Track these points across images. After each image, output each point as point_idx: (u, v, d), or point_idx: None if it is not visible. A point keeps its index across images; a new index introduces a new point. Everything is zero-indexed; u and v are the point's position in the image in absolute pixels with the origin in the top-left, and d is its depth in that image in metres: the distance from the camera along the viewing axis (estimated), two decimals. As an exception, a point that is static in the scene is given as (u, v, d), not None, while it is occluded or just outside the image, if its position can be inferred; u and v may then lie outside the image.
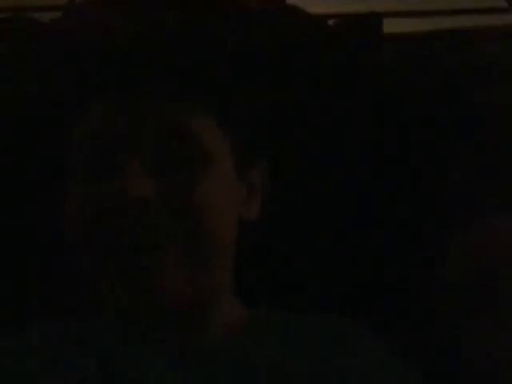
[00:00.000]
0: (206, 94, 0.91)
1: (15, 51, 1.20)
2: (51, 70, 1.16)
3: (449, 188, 1.11)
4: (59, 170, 1.10)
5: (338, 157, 1.15)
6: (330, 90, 1.18)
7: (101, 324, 0.96)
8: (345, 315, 0.96)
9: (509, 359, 0.98)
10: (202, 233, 0.87)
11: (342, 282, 1.11)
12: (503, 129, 1.14)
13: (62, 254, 1.10)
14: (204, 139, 0.89)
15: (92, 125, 0.89)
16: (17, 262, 1.14)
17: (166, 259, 0.85)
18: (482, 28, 1.24)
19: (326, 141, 1.16)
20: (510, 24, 1.27)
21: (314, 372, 0.88)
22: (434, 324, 1.04)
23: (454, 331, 1.02)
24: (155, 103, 0.88)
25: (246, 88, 1.03)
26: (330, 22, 1.30)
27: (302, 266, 1.11)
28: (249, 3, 1.27)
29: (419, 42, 1.25)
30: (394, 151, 1.15)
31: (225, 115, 0.92)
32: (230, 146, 0.93)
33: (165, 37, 0.98)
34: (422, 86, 1.18)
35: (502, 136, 1.14)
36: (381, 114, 1.16)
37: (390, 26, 1.30)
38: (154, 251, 0.85)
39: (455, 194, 1.11)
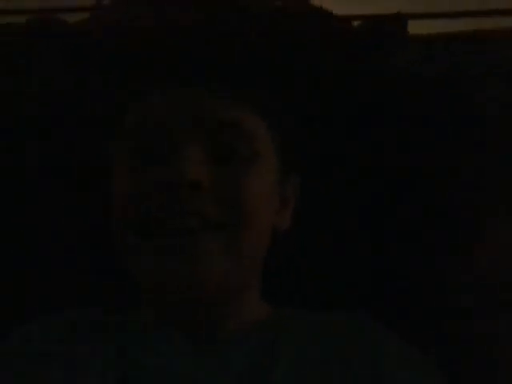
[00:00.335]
0: (261, 98, 0.95)
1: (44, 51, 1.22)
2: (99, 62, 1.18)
3: (450, 201, 1.12)
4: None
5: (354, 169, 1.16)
6: (354, 91, 1.18)
7: (123, 314, 0.99)
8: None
9: (508, 360, 0.98)
10: (243, 227, 0.89)
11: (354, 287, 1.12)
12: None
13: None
14: (257, 138, 0.92)
15: (154, 112, 0.92)
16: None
17: (206, 247, 0.87)
18: (495, 30, 1.23)
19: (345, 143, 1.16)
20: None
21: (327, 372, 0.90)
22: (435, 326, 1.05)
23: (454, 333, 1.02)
24: (214, 98, 0.91)
25: (291, 95, 1.04)
26: (355, 23, 1.31)
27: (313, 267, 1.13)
28: (273, 2, 1.28)
29: (441, 43, 1.25)
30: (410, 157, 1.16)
31: (276, 122, 0.96)
32: (276, 152, 0.96)
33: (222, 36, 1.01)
34: (439, 90, 1.18)
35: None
36: (407, 116, 1.17)
37: (413, 28, 1.30)
38: (197, 236, 0.87)
39: (457, 207, 1.12)
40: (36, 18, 1.19)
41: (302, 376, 0.89)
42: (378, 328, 0.97)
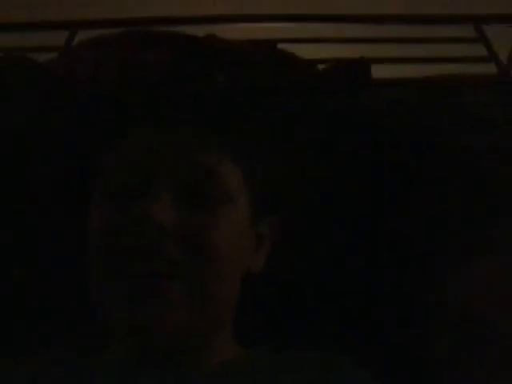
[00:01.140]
0: (234, 142, 0.95)
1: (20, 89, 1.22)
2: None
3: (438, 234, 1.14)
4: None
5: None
6: (321, 135, 1.20)
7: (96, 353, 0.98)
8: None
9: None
10: (210, 272, 0.89)
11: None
12: (490, 177, 1.17)
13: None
14: (229, 182, 0.92)
15: (130, 151, 0.93)
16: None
17: (172, 291, 0.87)
18: (464, 76, 1.26)
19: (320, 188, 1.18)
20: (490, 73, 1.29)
21: None
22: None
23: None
24: (188, 141, 0.92)
25: (265, 138, 1.04)
26: (320, 66, 1.33)
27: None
28: (241, 48, 1.29)
29: (406, 88, 1.28)
30: (385, 197, 1.17)
31: (249, 165, 0.96)
32: (249, 196, 0.96)
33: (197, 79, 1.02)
34: (407, 132, 1.21)
35: (488, 183, 1.17)
36: (369, 160, 1.18)
37: (378, 72, 1.32)
38: (162, 280, 0.87)
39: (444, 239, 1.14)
40: (5, 56, 1.19)
41: None
42: (352, 370, 0.97)
